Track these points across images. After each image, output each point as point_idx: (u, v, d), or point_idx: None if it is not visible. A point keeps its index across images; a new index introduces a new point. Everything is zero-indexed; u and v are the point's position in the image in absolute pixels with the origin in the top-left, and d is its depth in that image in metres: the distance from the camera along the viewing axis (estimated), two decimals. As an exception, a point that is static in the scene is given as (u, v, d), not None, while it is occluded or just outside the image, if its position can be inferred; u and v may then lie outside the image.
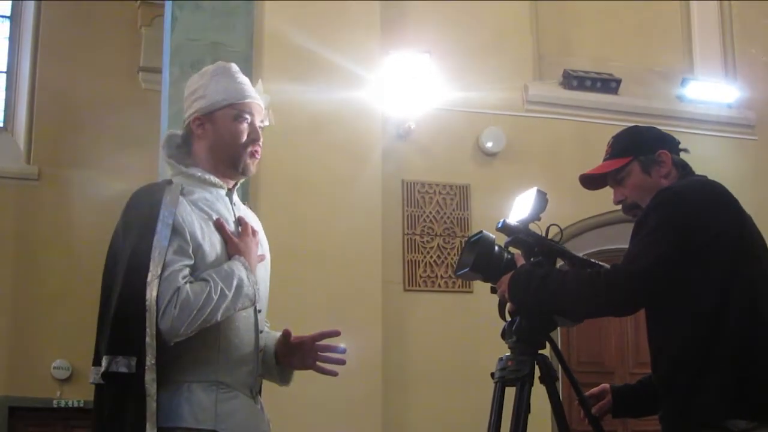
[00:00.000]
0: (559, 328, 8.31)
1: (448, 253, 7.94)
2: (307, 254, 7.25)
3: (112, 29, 10.96)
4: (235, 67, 3.13)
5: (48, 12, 11.02)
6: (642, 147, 3.24)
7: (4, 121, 10.94)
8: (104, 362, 2.71)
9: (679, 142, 3.33)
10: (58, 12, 10.91)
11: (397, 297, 7.77)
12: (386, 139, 7.82)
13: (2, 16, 11.22)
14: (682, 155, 3.30)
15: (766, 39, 9.53)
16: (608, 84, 8.77)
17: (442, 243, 7.98)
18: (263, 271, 3.08)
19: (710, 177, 3.22)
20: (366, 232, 7.50)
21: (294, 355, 3.11)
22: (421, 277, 7.88)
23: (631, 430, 8.26)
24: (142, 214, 2.84)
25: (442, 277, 7.90)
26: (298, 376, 7.09)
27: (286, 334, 3.08)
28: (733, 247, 2.94)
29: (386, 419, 7.29)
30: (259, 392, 3.10)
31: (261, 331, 3.03)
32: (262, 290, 3.02)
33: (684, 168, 3.25)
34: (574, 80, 8.68)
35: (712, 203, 3.00)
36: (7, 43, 11.16)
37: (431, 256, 7.91)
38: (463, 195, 8.12)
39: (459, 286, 7.86)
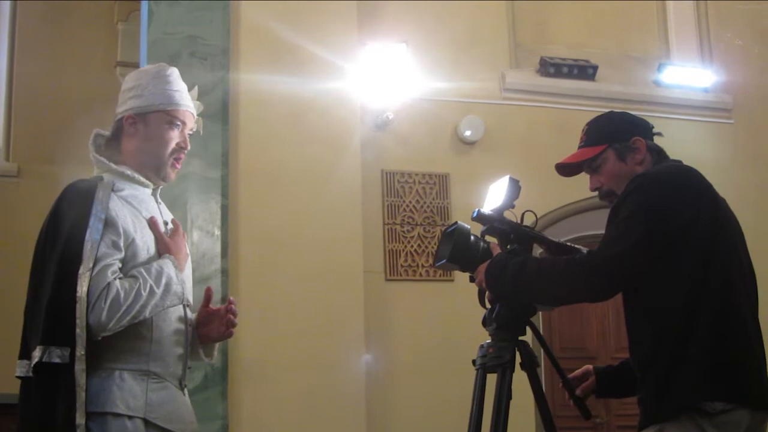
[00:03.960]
0: (540, 314, 8.38)
1: (429, 242, 7.96)
2: (287, 245, 7.26)
3: (88, 25, 10.90)
4: (176, 72, 3.23)
5: (24, 8, 10.96)
6: (616, 134, 3.27)
7: (-18, 119, 10.90)
8: (38, 352, 2.75)
9: (652, 127, 3.34)
10: (35, 8, 10.85)
11: (379, 287, 7.78)
12: (364, 130, 7.83)
13: (-23, 14, 11.18)
14: (657, 139, 3.32)
15: (741, 23, 9.58)
16: (585, 70, 8.79)
17: (423, 232, 8.00)
18: (188, 268, 3.19)
19: (688, 161, 3.24)
20: (346, 223, 7.50)
21: (210, 324, 3.21)
22: (402, 266, 7.90)
23: (614, 414, 8.31)
24: (74, 209, 2.91)
25: (423, 266, 7.91)
26: (282, 366, 7.11)
27: (207, 292, 3.23)
28: (708, 231, 2.96)
29: (370, 409, 7.30)
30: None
31: (190, 325, 3.15)
32: (188, 287, 3.14)
33: (659, 153, 3.27)
34: (551, 67, 8.70)
35: (686, 188, 3.02)
36: (-17, 40, 11.12)
37: (412, 246, 7.93)
38: (443, 184, 8.13)
39: (440, 276, 7.88)
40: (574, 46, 9.05)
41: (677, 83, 9.09)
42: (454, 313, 7.66)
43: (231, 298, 3.27)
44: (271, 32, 7.47)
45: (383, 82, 7.90)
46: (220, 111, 7.21)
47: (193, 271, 6.70)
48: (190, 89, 3.30)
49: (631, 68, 9.17)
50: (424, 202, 8.06)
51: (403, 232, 7.94)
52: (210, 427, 6.74)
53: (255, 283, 7.15)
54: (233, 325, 3.20)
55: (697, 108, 9.09)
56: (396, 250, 7.90)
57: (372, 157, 7.86)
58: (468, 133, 8.19)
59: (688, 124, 8.92)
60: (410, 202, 8.03)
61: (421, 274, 7.88)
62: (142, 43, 7.45)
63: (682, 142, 8.37)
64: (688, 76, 9.15)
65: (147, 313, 2.87)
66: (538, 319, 8.23)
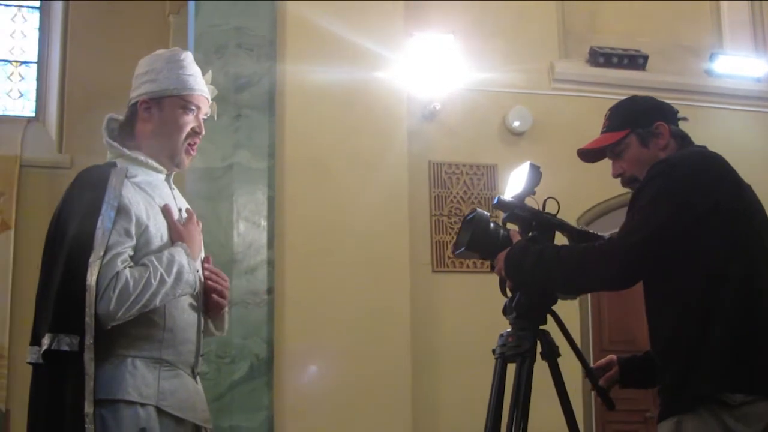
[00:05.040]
0: (590, 305, 8.23)
1: (476, 234, 7.90)
2: (333, 236, 7.27)
3: (140, 18, 10.97)
4: (190, 56, 3.19)
5: (76, 3, 11.06)
6: (639, 119, 3.20)
7: (36, 111, 10.98)
8: (47, 340, 2.73)
9: (677, 111, 3.27)
10: (87, 2, 10.95)
11: (426, 278, 7.76)
12: (412, 121, 7.80)
13: (31, 8, 11.29)
14: (682, 124, 3.24)
15: (795, 12, 9.42)
16: (635, 60, 8.69)
17: (470, 224, 7.94)
18: (201, 256, 3.14)
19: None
20: (392, 214, 7.49)
21: (209, 296, 3.13)
22: (449, 258, 7.86)
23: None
24: (87, 195, 2.87)
25: (470, 257, 7.85)
26: (328, 357, 7.09)
27: (205, 259, 3.15)
28: (731, 218, 2.88)
29: (416, 400, 7.29)
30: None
31: (203, 313, 3.09)
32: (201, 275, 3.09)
33: (683, 139, 3.19)
34: (601, 57, 8.60)
35: (708, 174, 2.94)
36: (36, 34, 11.22)
37: (459, 237, 7.87)
38: (491, 175, 8.09)
39: (488, 267, 7.81)
40: (624, 35, 8.94)
41: (730, 73, 8.95)
42: (501, 304, 7.59)
43: (207, 255, 3.18)
44: (317, 23, 7.46)
45: (430, 73, 7.86)
46: (266, 102, 7.23)
47: (239, 261, 6.81)
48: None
49: (682, 58, 9.04)
50: (472, 193, 8.02)
51: (451, 223, 7.90)
52: (256, 417, 6.78)
53: (301, 274, 7.17)
54: (216, 291, 3.10)
55: (751, 98, 8.95)
56: (443, 242, 7.87)
57: (419, 148, 7.83)
58: (516, 123, 8.13)
59: (740, 115, 8.80)
60: (457, 193, 7.99)
61: (468, 266, 7.82)
62: (189, 34, 7.50)
63: (735, 133, 8.27)
64: (741, 65, 9.02)
65: (157, 302, 2.83)
66: (587, 311, 8.16)
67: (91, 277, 2.74)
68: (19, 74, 11.17)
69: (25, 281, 9.58)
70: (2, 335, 9.76)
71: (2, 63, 11.15)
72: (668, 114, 3.23)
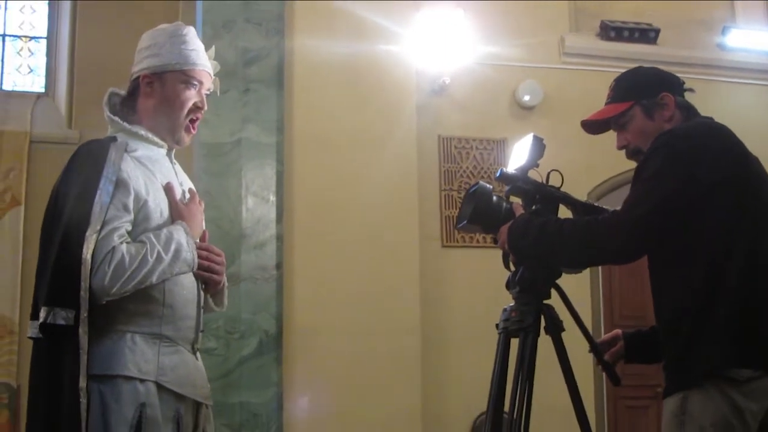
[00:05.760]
0: (600, 280, 8.18)
1: (487, 209, 7.87)
2: (342, 211, 7.25)
3: (149, -8, 10.96)
4: (192, 31, 3.17)
5: (86, -24, 11.03)
6: (644, 90, 3.16)
7: (46, 87, 10.95)
8: (43, 313, 2.73)
9: (683, 83, 3.22)
10: (96, -24, 10.92)
11: (435, 253, 7.73)
12: (421, 95, 7.76)
13: (41, -18, 11.28)
14: (691, 97, 3.20)
15: (809, -16, 9.33)
16: (647, 34, 8.62)
17: (480, 198, 7.90)
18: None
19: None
20: (402, 189, 7.47)
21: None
22: (459, 233, 7.83)
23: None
24: (86, 169, 2.86)
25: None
26: (337, 333, 7.09)
27: (201, 236, 3.11)
28: (737, 191, 2.85)
29: (425, 375, 7.28)
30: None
31: (203, 287, 3.08)
32: None
33: (689, 110, 3.15)
34: (612, 31, 8.54)
35: (714, 146, 2.91)
36: (46, 9, 11.19)
37: (469, 212, 7.84)
38: (500, 149, 8.04)
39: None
40: (635, 9, 8.88)
41: (742, 47, 8.88)
42: (510, 279, 7.57)
43: (203, 231, 3.14)
44: (325, -4, 7.43)
45: (440, 47, 7.80)
46: (275, 76, 7.21)
47: (248, 237, 6.79)
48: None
49: (694, 31, 8.97)
50: (482, 168, 7.98)
51: (460, 198, 7.86)
52: (264, 393, 6.77)
53: (310, 249, 7.15)
54: (203, 267, 3.03)
55: (763, 72, 8.88)
56: (453, 217, 7.82)
57: (428, 122, 7.80)
58: (526, 98, 8.09)
59: (753, 89, 8.73)
60: (467, 167, 7.96)
61: (478, 241, 7.80)
62: (197, 8, 7.46)
63: (747, 107, 8.20)
64: (753, 39, 8.94)
65: (154, 279, 2.81)
66: (598, 286, 8.12)
67: (87, 251, 2.72)
68: (29, 49, 11.14)
69: (35, 257, 9.59)
70: (12, 311, 9.77)
71: (12, 38, 11.12)
72: (673, 85, 3.19)
